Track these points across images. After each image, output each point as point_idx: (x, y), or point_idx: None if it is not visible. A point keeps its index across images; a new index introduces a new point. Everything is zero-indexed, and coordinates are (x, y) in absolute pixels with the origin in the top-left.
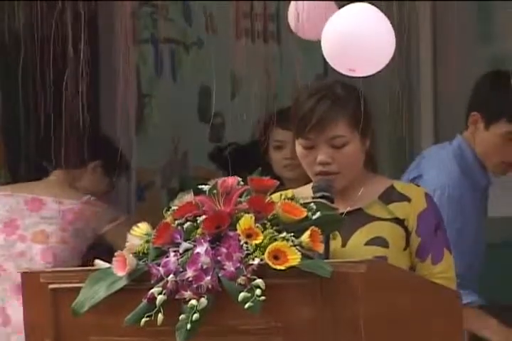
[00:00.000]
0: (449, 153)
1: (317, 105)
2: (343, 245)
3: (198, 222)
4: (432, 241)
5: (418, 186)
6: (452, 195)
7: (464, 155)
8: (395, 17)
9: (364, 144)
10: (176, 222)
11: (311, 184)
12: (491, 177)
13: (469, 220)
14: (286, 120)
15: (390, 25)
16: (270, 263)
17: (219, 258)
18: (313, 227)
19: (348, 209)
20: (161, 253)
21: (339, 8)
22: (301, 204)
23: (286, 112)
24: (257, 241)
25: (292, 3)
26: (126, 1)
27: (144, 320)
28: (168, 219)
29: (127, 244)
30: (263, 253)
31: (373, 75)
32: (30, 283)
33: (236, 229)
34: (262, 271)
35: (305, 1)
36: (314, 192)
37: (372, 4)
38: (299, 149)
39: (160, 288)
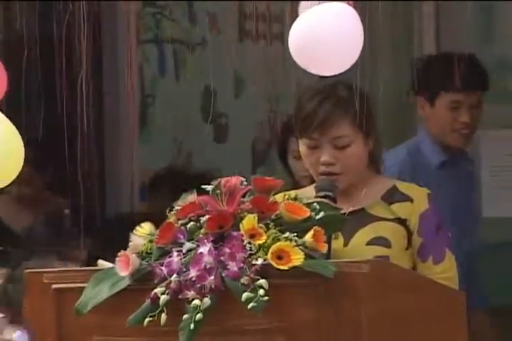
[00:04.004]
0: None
1: (321, 105)
2: (345, 245)
3: (202, 221)
4: (433, 242)
5: (420, 186)
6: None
7: (417, 140)
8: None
9: (367, 144)
10: (179, 221)
11: (314, 184)
12: (449, 155)
13: None
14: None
15: (358, 26)
16: (273, 263)
17: (222, 258)
18: (316, 227)
19: (351, 209)
20: (164, 253)
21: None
22: (304, 204)
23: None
24: (261, 241)
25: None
26: (130, 1)
27: (147, 320)
28: (172, 219)
29: (130, 244)
30: (266, 254)
31: (373, 75)
32: (34, 283)
33: (239, 229)
34: (266, 271)
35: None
36: (317, 192)
37: (379, 4)
38: (302, 149)
39: (163, 288)
